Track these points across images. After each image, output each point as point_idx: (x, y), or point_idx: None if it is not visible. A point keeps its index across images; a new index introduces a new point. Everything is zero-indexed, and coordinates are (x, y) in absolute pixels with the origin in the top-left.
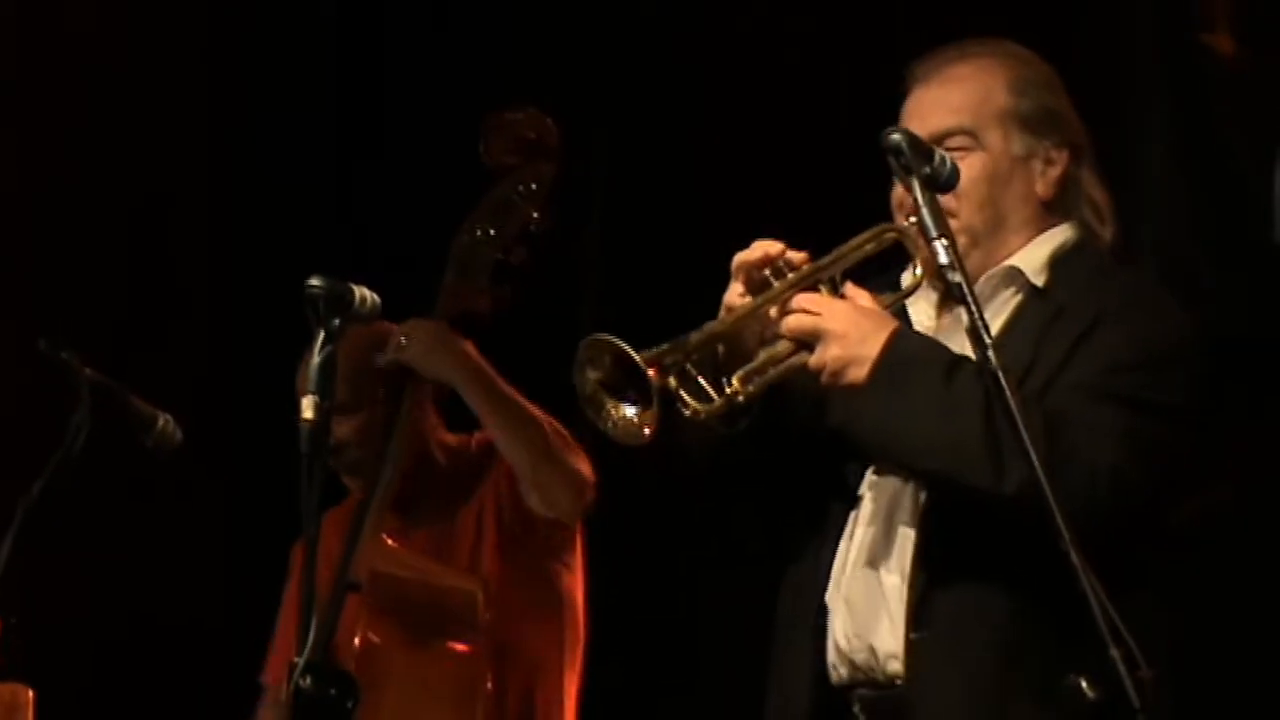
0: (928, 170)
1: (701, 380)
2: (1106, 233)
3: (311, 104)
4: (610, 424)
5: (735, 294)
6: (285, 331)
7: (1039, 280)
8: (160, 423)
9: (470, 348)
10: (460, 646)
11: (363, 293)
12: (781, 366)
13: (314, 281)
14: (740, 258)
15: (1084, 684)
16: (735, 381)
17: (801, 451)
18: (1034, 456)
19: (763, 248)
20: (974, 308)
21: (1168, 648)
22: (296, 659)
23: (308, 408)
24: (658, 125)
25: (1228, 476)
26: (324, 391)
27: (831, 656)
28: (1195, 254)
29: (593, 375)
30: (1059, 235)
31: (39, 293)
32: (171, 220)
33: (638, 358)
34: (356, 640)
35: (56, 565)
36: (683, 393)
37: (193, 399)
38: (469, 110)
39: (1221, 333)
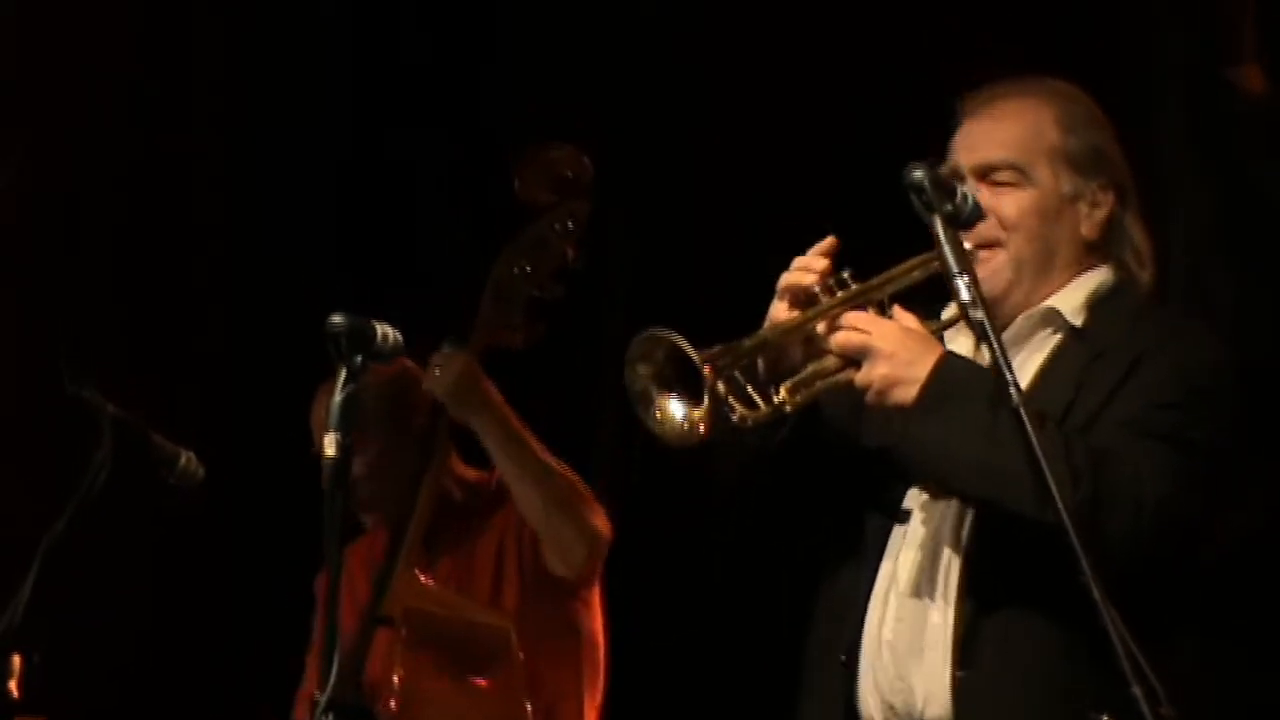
0: (949, 208)
1: (748, 388)
2: (1145, 276)
3: (326, 131)
4: (659, 422)
5: (781, 310)
6: (302, 365)
7: (1077, 321)
8: (183, 460)
9: (494, 390)
10: (497, 682)
11: (384, 329)
12: (829, 380)
13: (336, 318)
14: (791, 279)
15: None
16: (784, 391)
17: (832, 474)
18: (1057, 491)
19: (812, 269)
20: (996, 345)
21: (1209, 684)
22: (319, 694)
23: (330, 444)
24: (679, 134)
25: (1254, 501)
26: (346, 428)
27: (864, 695)
28: (1222, 283)
29: (644, 371)
30: (1096, 277)
31: (48, 297)
32: (188, 251)
33: (695, 355)
34: (395, 678)
35: (78, 600)
36: (731, 398)
37: (205, 431)
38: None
39: (1245, 357)
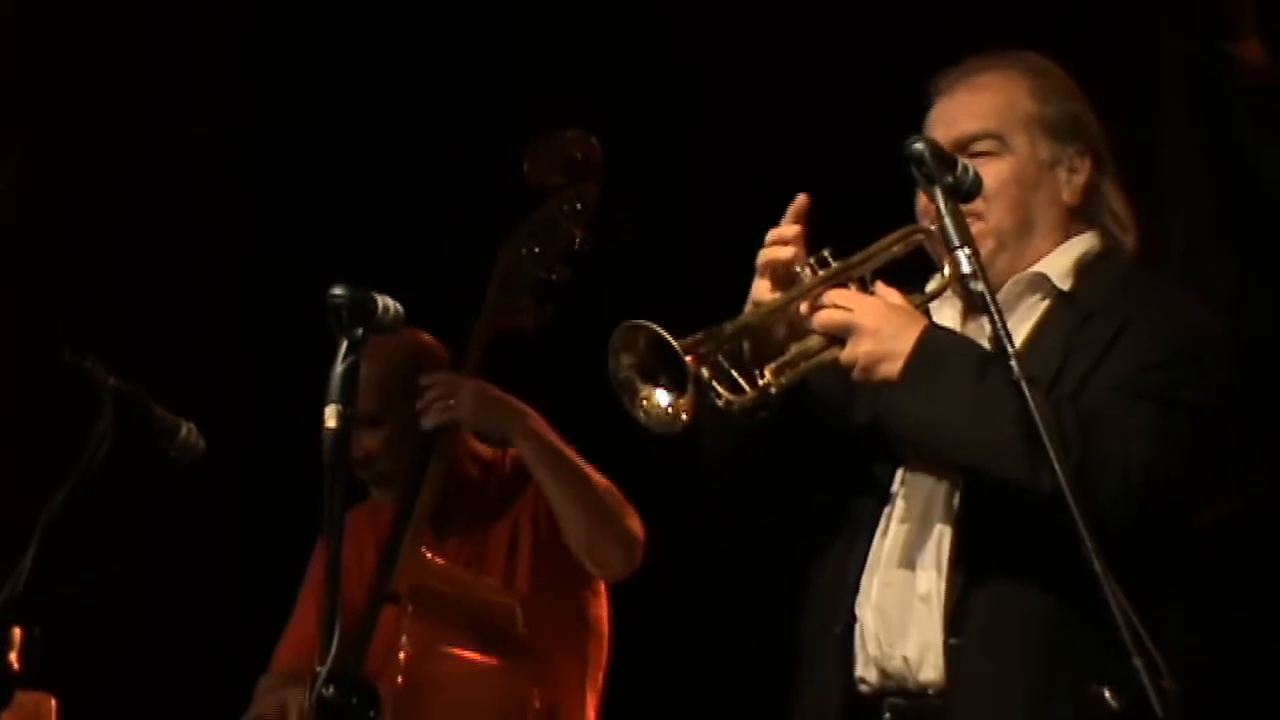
0: (950, 179)
1: (733, 372)
2: (1129, 240)
3: (327, 115)
4: (644, 411)
5: (764, 290)
6: (306, 338)
7: (1065, 285)
8: (183, 431)
9: (514, 399)
10: (504, 660)
11: (385, 301)
12: (813, 360)
13: (337, 290)
14: (770, 255)
15: (1107, 694)
16: (768, 373)
17: (822, 450)
18: (1058, 463)
19: (784, 242)
20: (997, 317)
21: (1198, 653)
22: (319, 668)
23: (330, 416)
24: (680, 133)
25: (1255, 481)
26: (346, 400)
27: (860, 665)
28: (1222, 260)
29: (626, 360)
30: (1083, 243)
31: (48, 297)
32: (188, 250)
33: (675, 343)
34: (401, 655)
35: (79, 573)
36: (715, 383)
37: (208, 404)
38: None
39: (1247, 338)
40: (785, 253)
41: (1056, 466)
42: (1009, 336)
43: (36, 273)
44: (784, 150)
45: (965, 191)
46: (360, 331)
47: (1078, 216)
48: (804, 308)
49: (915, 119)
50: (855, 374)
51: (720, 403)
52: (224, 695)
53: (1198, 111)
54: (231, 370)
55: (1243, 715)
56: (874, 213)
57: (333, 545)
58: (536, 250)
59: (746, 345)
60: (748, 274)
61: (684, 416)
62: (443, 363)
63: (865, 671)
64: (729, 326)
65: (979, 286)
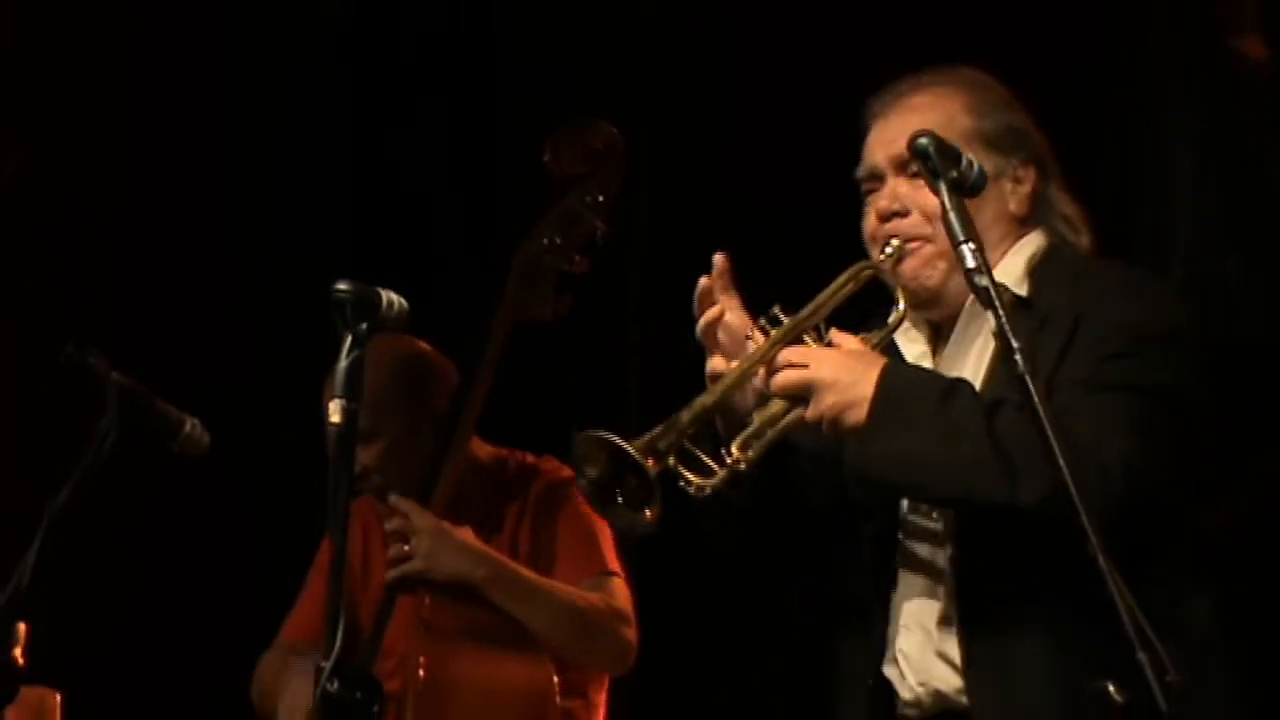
0: (955, 174)
1: (700, 454)
2: (1083, 240)
3: (330, 112)
4: (617, 520)
5: (718, 363)
6: (313, 334)
7: (1022, 290)
8: (188, 427)
9: (473, 536)
10: (524, 654)
11: (390, 297)
12: (779, 426)
13: (341, 286)
14: (705, 322)
15: (1111, 689)
16: (735, 450)
17: (816, 514)
18: (1063, 462)
19: (708, 298)
20: (1000, 312)
21: (1205, 648)
22: (323, 663)
23: (335, 411)
24: (696, 132)
25: (1256, 481)
26: (351, 395)
27: (904, 709)
28: (1225, 259)
29: (591, 472)
30: (1031, 243)
31: (50, 293)
32: (192, 224)
33: (632, 450)
34: (420, 649)
35: (83, 568)
36: (683, 470)
37: (212, 399)
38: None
39: (1250, 336)
40: (714, 310)
41: (1063, 465)
42: (1010, 332)
43: (38, 269)
44: (802, 139)
45: (970, 186)
46: (364, 327)
47: (1025, 225)
48: (762, 374)
49: None
50: (825, 429)
51: (692, 490)
52: (227, 689)
53: (1199, 110)
54: (236, 366)
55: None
56: None
57: (337, 541)
58: (558, 241)
59: (720, 420)
60: (760, 269)
61: (650, 521)
62: (439, 371)
63: (909, 707)
64: (685, 414)
65: (984, 281)
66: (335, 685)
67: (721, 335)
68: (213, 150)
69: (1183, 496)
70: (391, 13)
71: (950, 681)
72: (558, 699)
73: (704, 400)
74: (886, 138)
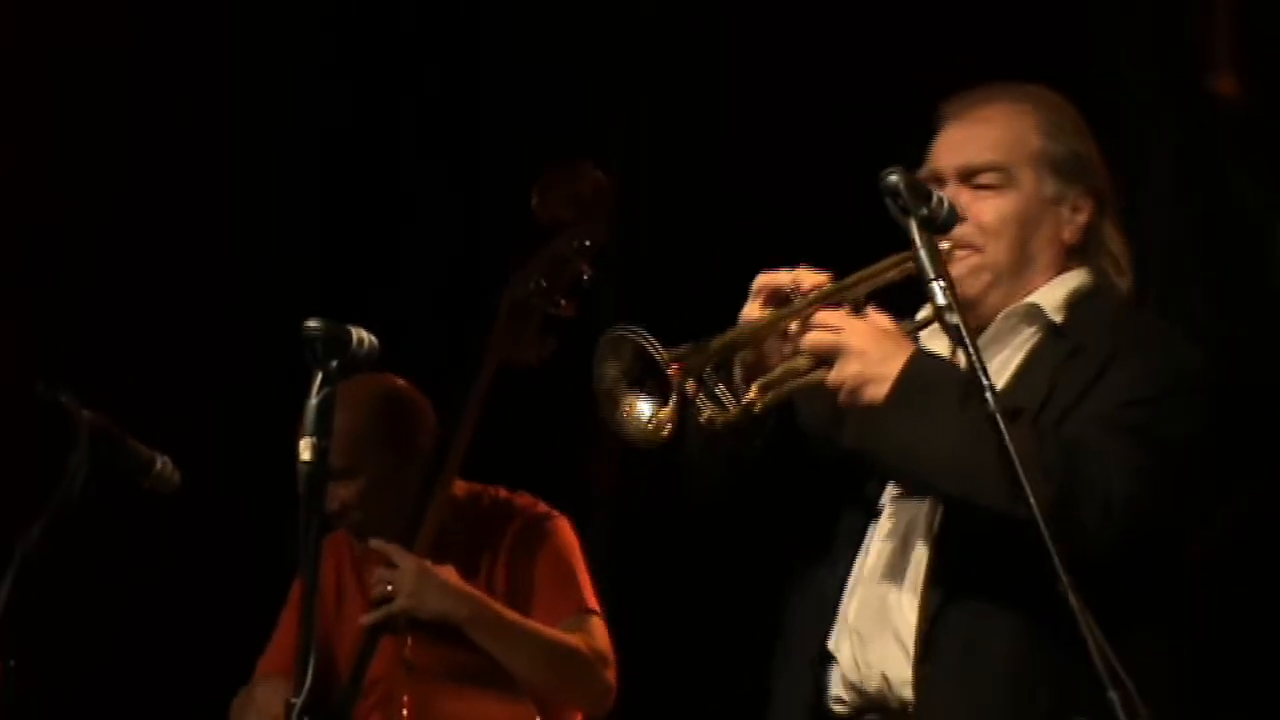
0: (925, 212)
1: (718, 390)
2: (1124, 283)
3: (313, 142)
4: (624, 422)
5: (753, 310)
6: (284, 371)
7: (1058, 318)
8: (158, 465)
9: (456, 575)
10: (507, 701)
11: (360, 334)
12: (799, 380)
13: (312, 323)
14: (766, 279)
15: None
16: (753, 391)
17: (811, 476)
18: (1033, 495)
19: (795, 276)
20: (972, 350)
21: (1175, 685)
22: (294, 700)
23: (305, 449)
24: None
25: (1229, 520)
26: (321, 432)
27: (837, 685)
28: (1197, 296)
29: (612, 370)
30: (1076, 278)
31: (22, 330)
32: (183, 251)
33: (662, 353)
34: (403, 686)
35: (55, 605)
36: (701, 398)
37: (183, 437)
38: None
39: (1222, 377)
40: (784, 278)
41: (1031, 500)
42: (985, 369)
43: (10, 305)
44: (791, 174)
45: (940, 224)
46: (335, 364)
47: (1075, 255)
48: (794, 327)
49: (921, 121)
50: (841, 396)
51: (703, 418)
52: None
53: (1175, 135)
54: (207, 404)
55: None
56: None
57: (308, 579)
58: (544, 284)
59: (739, 367)
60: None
61: (664, 432)
62: (418, 409)
63: (842, 691)
64: (716, 341)
65: (954, 319)
66: None
67: (772, 290)
68: (212, 150)
69: (1177, 542)
70: (391, 12)
71: (899, 672)
72: None
73: (734, 333)
74: (956, 143)
